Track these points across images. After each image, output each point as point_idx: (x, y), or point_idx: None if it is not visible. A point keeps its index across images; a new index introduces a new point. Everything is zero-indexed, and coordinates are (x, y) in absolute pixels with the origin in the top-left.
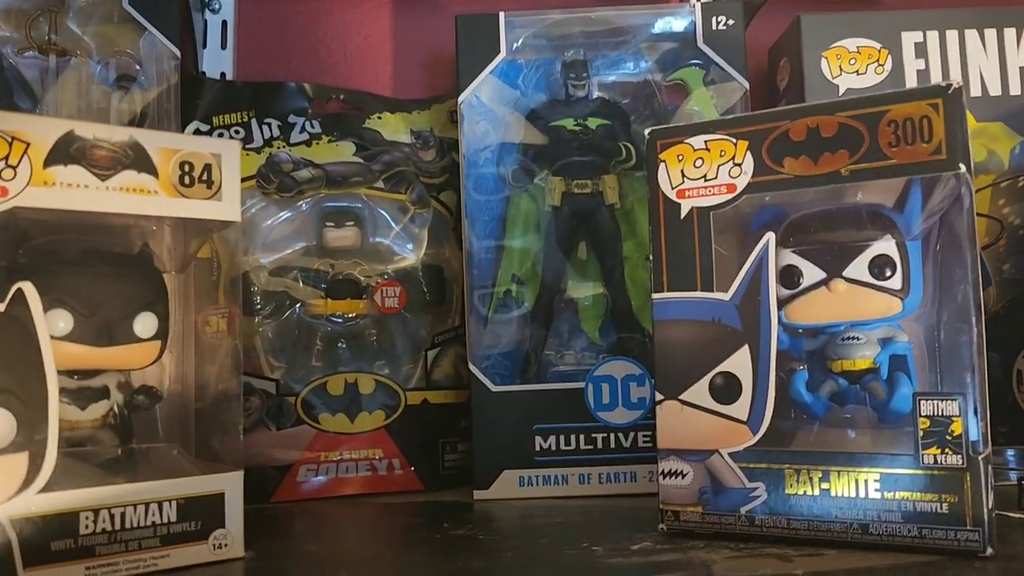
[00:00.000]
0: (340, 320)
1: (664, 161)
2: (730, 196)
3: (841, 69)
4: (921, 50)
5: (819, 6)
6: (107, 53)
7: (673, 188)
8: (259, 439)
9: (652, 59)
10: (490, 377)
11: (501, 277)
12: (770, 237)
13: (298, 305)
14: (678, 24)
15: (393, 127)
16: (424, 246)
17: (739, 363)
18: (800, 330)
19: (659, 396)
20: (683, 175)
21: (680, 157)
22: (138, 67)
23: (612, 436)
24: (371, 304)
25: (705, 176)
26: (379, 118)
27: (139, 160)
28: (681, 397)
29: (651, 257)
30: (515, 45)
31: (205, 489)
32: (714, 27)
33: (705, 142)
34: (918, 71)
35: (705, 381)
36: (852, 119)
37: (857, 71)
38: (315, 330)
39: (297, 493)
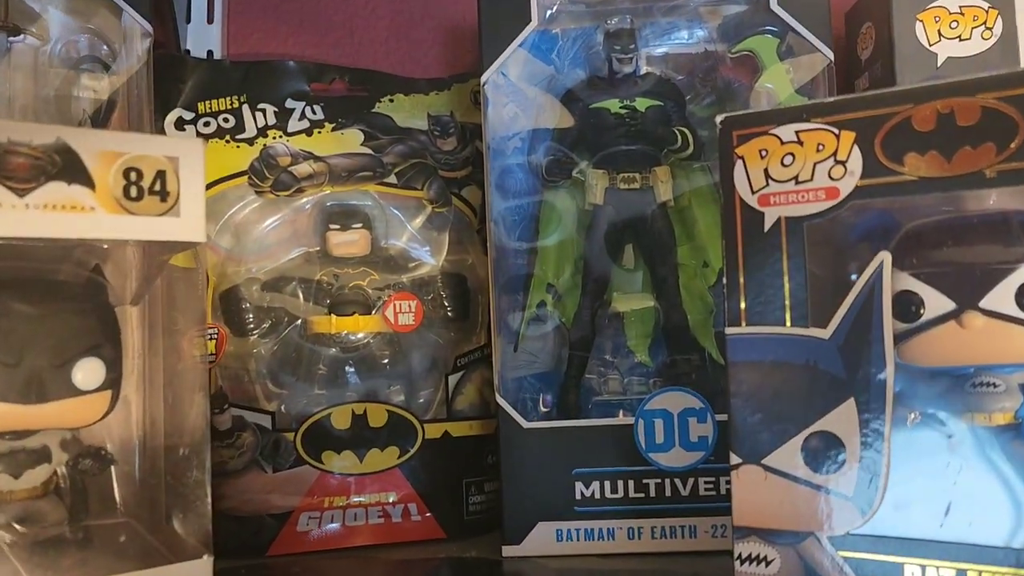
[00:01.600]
0: (346, 340)
1: (742, 157)
2: (831, 203)
3: (940, 34)
4: None
5: None
6: (69, 30)
7: (754, 193)
8: (253, 483)
9: (712, 25)
10: (521, 410)
11: (534, 288)
12: (885, 258)
13: (297, 322)
14: None
15: (407, 112)
16: (444, 251)
17: (842, 421)
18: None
19: (735, 459)
20: (767, 176)
21: (763, 152)
22: (105, 47)
23: (667, 482)
24: (383, 321)
25: (797, 177)
26: (391, 101)
27: (69, 168)
28: (764, 462)
29: (725, 281)
30: (548, 13)
31: None
32: None
33: (797, 133)
34: None
35: (797, 443)
36: (1001, 101)
37: (959, 36)
38: (317, 352)
39: (298, 545)
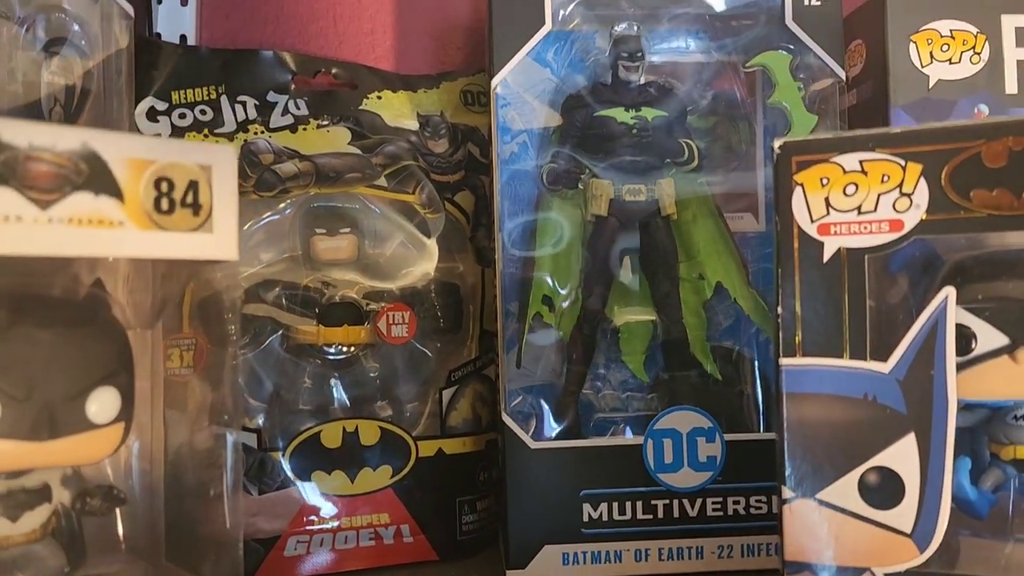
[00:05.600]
0: (334, 352)
1: (801, 184)
2: (894, 236)
3: (932, 56)
4: None
5: None
6: (33, 8)
7: (814, 222)
8: None
9: (719, 36)
10: (523, 427)
11: (531, 300)
12: (950, 293)
13: (280, 332)
14: None
15: (396, 110)
16: (435, 259)
17: (901, 456)
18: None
19: (787, 493)
20: (828, 205)
21: (824, 181)
22: (76, 27)
23: (675, 503)
24: (374, 332)
25: (860, 208)
26: (379, 98)
27: (96, 177)
28: (819, 496)
29: (780, 311)
30: (562, 14)
31: None
32: (806, 1)
33: (860, 162)
34: (1018, 62)
35: (854, 478)
36: None
37: (950, 59)
38: (302, 365)
39: (285, 572)
